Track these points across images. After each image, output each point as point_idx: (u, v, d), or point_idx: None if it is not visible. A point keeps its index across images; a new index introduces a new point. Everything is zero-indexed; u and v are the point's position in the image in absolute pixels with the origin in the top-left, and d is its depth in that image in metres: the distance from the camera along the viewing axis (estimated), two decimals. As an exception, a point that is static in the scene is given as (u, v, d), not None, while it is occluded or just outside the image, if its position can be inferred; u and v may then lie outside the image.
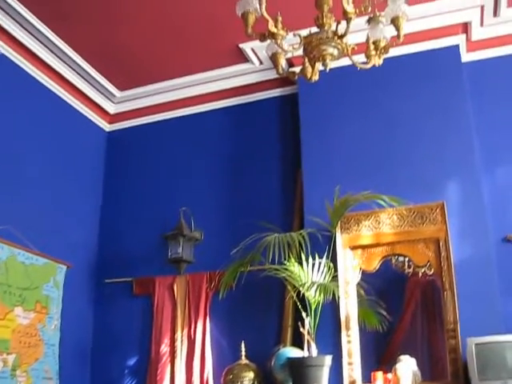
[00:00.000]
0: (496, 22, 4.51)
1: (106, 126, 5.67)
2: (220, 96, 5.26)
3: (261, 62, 4.93)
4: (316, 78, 2.77)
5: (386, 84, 4.43)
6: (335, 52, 2.57)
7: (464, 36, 4.52)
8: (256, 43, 4.24)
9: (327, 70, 2.59)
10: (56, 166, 4.94)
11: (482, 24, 4.52)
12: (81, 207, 5.20)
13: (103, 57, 4.94)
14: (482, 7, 4.39)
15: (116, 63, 5.03)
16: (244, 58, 4.92)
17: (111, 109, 5.59)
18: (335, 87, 4.34)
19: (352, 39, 2.80)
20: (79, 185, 5.22)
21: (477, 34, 4.56)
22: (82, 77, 5.15)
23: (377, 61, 2.75)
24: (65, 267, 4.71)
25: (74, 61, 4.92)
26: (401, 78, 4.44)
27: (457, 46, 4.48)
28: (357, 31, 3.06)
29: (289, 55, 2.91)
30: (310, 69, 2.73)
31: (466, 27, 4.50)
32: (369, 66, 2.74)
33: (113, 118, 5.66)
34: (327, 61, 2.56)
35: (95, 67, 5.09)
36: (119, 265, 5.14)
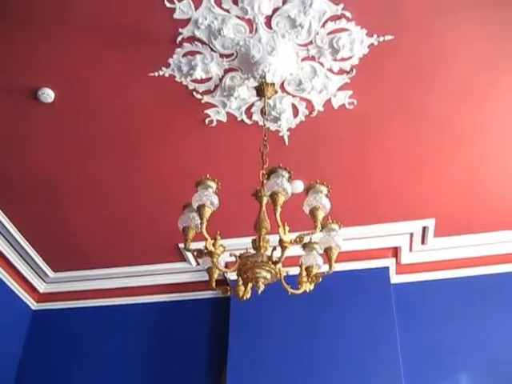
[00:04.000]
0: (424, 248, 4.83)
1: (33, 304, 5.51)
2: (153, 290, 5.26)
3: (198, 263, 5.01)
4: (248, 296, 2.83)
5: (317, 298, 4.47)
6: (268, 276, 2.65)
7: (394, 259, 4.78)
8: (195, 245, 4.39)
9: (259, 292, 2.65)
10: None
11: (410, 249, 4.82)
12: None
13: (42, 236, 4.94)
14: (412, 234, 4.70)
15: (55, 244, 5.03)
16: (181, 257, 5.03)
17: (41, 288, 5.49)
18: (267, 297, 4.37)
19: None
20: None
21: (406, 258, 4.85)
22: (17, 251, 5.09)
23: (308, 287, 2.84)
24: None
25: (11, 234, 4.87)
26: (331, 294, 4.53)
27: (387, 268, 4.71)
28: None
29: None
30: (242, 288, 2.79)
31: (396, 251, 4.80)
32: (299, 291, 2.82)
33: (41, 297, 5.52)
34: (260, 283, 2.64)
35: (32, 244, 5.05)
36: None
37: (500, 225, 4.64)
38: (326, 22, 3.13)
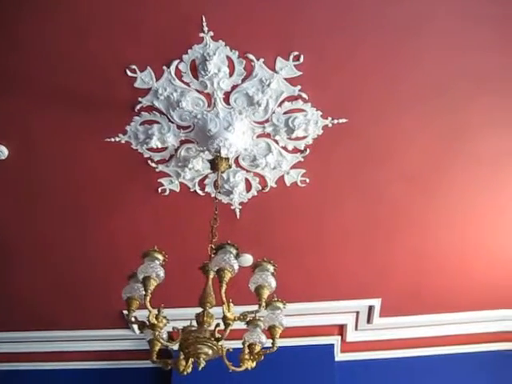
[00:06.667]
0: (369, 327, 4.86)
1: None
2: (93, 356, 5.14)
3: (141, 331, 4.90)
4: (189, 370, 2.78)
5: (260, 373, 4.33)
6: (210, 352, 2.62)
7: (339, 337, 4.80)
8: (138, 312, 4.35)
9: (199, 368, 2.62)
10: None
11: (356, 328, 4.84)
12: None
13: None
14: (358, 313, 4.74)
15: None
16: (125, 324, 4.91)
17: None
18: (210, 370, 4.27)
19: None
20: None
21: (351, 336, 4.86)
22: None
23: (250, 364, 2.81)
24: None
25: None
26: (274, 369, 4.45)
27: (331, 345, 4.72)
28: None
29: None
30: (183, 362, 2.75)
31: (341, 329, 4.82)
32: (241, 369, 2.79)
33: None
34: (201, 359, 2.60)
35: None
36: None
37: (443, 307, 4.72)
38: (282, 101, 3.20)
